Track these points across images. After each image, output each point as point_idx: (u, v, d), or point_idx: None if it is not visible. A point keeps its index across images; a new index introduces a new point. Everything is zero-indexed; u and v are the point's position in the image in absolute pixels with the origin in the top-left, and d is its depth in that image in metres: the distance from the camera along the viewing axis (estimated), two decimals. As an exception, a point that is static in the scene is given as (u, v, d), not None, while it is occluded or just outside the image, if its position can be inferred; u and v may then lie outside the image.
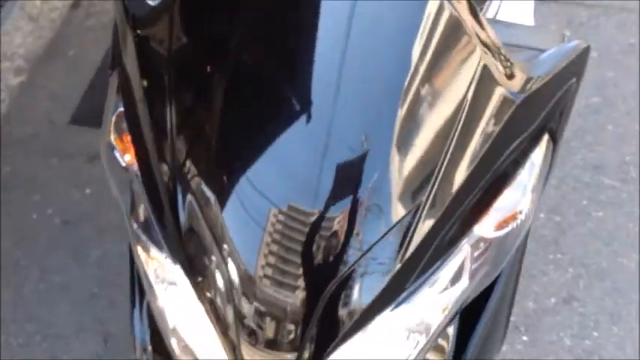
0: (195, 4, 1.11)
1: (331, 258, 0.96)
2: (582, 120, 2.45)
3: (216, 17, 1.10)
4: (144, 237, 1.07)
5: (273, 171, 0.99)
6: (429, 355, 1.14)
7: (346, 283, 0.97)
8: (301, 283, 0.97)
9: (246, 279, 0.96)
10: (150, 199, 1.05)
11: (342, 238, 0.96)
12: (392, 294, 0.99)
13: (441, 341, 1.15)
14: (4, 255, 2.15)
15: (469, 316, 1.17)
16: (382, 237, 0.97)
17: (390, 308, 0.99)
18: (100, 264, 2.13)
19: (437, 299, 1.02)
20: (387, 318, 0.99)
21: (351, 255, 0.97)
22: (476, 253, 1.03)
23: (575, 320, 2.03)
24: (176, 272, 1.03)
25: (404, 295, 0.99)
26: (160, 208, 1.04)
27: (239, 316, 1.00)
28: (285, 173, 0.99)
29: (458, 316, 1.13)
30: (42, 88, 2.55)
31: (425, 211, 0.98)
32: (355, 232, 0.97)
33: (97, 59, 2.62)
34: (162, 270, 1.06)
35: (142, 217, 1.09)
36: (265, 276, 0.96)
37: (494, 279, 1.13)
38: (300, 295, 0.97)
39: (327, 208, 0.95)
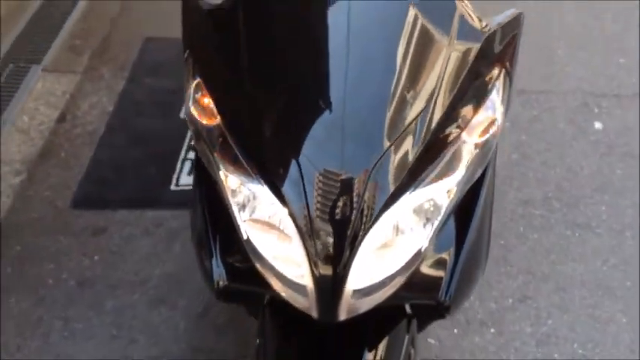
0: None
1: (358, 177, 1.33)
2: (508, 171, 2.96)
3: (272, 11, 1.53)
4: (231, 169, 1.41)
5: (313, 143, 1.38)
6: (437, 253, 1.50)
7: (374, 183, 1.34)
8: (341, 191, 1.32)
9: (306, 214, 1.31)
10: (235, 139, 1.41)
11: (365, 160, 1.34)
12: (409, 183, 1.37)
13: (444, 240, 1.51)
14: (26, 313, 2.38)
15: (463, 219, 1.54)
16: (396, 140, 1.36)
17: (409, 192, 1.36)
18: (116, 312, 2.39)
19: (442, 184, 1.40)
20: (407, 199, 1.36)
21: (374, 157, 1.35)
22: (467, 151, 1.43)
23: (531, 313, 2.42)
24: (264, 192, 1.36)
25: (418, 181, 1.37)
26: (244, 146, 1.40)
27: (310, 234, 1.33)
28: (320, 146, 1.37)
29: (454, 218, 1.51)
30: (41, 183, 2.87)
31: (426, 124, 1.39)
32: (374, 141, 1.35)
33: (87, 156, 2.98)
34: (247, 193, 1.39)
35: (227, 156, 1.43)
36: (319, 207, 1.31)
37: (481, 179, 1.53)
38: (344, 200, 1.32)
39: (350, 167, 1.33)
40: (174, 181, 2.87)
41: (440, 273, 1.50)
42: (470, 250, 1.54)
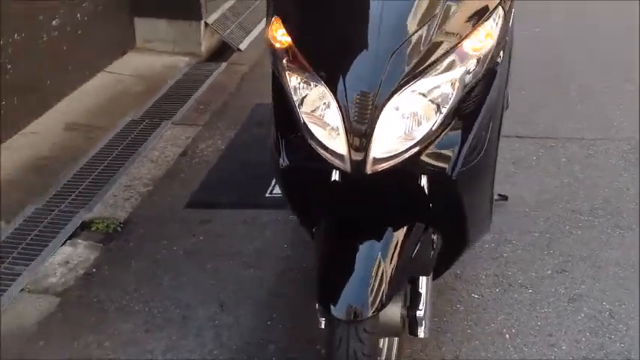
0: None
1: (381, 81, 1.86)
2: (560, 190, 3.36)
3: None
4: (294, 67, 1.97)
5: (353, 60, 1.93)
6: (448, 138, 1.95)
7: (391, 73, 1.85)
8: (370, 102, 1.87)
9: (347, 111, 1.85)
10: (301, 54, 1.97)
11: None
12: (415, 75, 1.86)
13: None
14: (143, 270, 2.95)
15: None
16: (406, 40, 1.88)
17: (415, 81, 1.86)
18: (214, 271, 2.92)
19: (447, 75, 1.88)
20: (415, 87, 1.86)
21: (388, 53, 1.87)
22: (466, 56, 1.92)
23: (566, 281, 2.76)
24: (319, 84, 1.91)
25: (423, 74, 1.86)
26: (306, 54, 1.96)
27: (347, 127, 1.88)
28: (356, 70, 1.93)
29: (462, 114, 1.97)
30: (163, 192, 3.52)
31: (432, 30, 1.90)
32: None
33: (202, 177, 3.63)
34: (306, 90, 1.94)
35: (292, 63, 1.99)
36: (355, 102, 1.84)
37: (488, 86, 1.99)
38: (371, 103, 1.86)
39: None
40: (268, 191, 3.45)
41: (449, 153, 1.95)
42: (474, 141, 1.99)
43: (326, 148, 1.92)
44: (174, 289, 2.83)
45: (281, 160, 2.05)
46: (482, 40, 1.96)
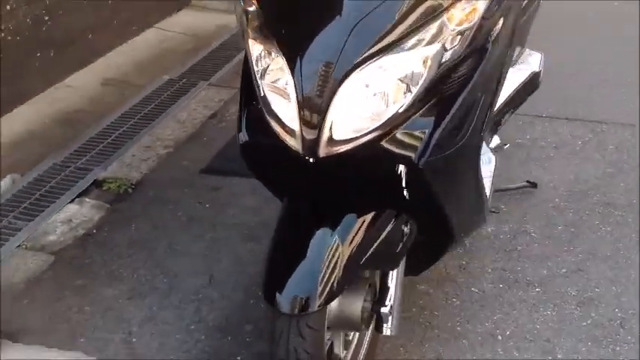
0: None
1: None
2: (599, 180, 3.08)
3: None
4: (259, 37, 1.81)
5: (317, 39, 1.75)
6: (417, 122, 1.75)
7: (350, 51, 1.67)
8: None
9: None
10: (265, 20, 1.81)
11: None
12: (382, 49, 1.66)
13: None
14: (141, 235, 2.88)
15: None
16: (375, 8, 1.68)
17: (381, 56, 1.65)
18: (212, 241, 2.83)
19: (418, 52, 1.67)
20: (383, 60, 1.67)
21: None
22: (446, 32, 1.70)
23: (580, 282, 2.51)
24: (279, 56, 1.75)
25: (395, 46, 1.66)
26: (270, 21, 1.80)
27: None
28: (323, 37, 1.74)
29: (440, 95, 1.75)
30: (182, 155, 3.44)
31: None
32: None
33: (223, 143, 3.52)
34: (268, 62, 1.79)
35: (257, 29, 1.84)
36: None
37: (474, 68, 1.77)
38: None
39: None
40: (287, 160, 3.31)
41: (416, 140, 1.74)
42: (451, 128, 1.77)
43: (283, 125, 1.77)
44: (168, 257, 2.75)
45: (241, 134, 1.91)
46: (467, 12, 1.74)
